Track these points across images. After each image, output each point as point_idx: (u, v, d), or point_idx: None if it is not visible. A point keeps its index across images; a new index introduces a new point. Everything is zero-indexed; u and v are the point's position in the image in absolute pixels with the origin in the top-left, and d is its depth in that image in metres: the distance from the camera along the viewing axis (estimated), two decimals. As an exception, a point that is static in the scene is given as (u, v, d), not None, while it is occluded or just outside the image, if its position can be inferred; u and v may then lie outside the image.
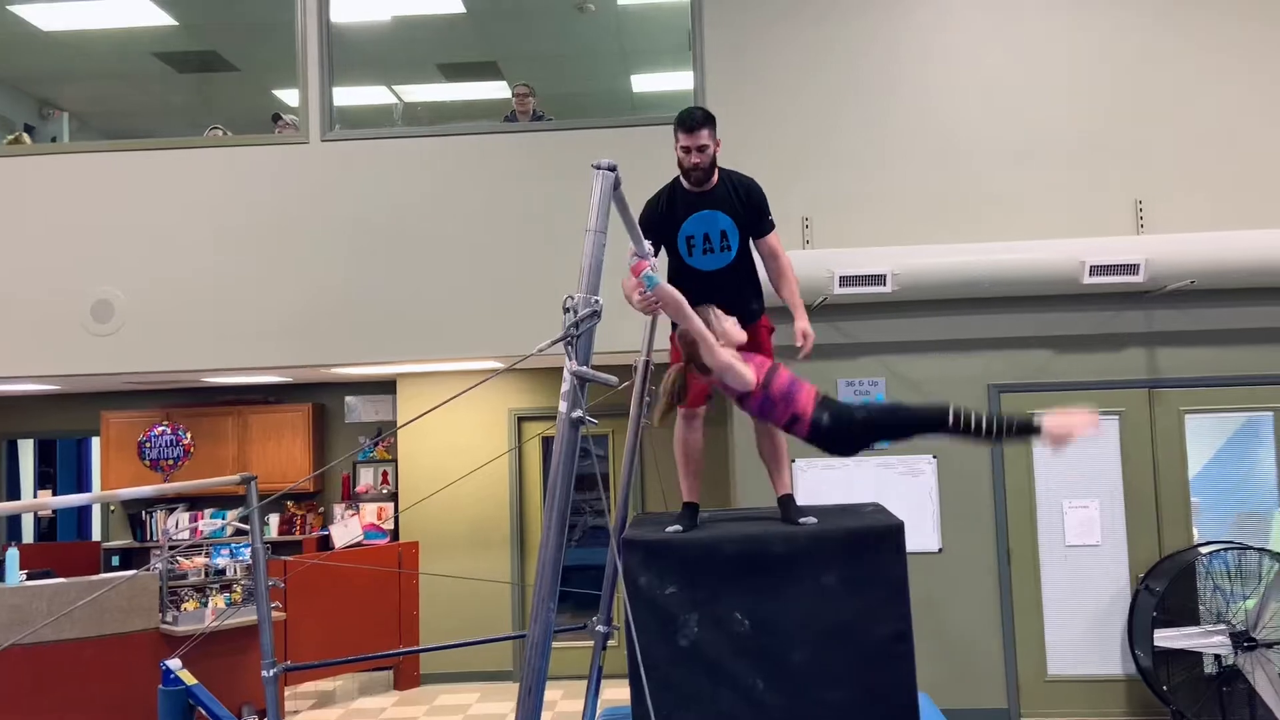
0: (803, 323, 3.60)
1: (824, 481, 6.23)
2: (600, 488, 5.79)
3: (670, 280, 3.27)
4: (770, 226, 3.70)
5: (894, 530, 3.22)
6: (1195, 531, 6.28)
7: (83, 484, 11.53)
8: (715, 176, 3.63)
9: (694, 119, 3.52)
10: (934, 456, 6.28)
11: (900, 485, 6.24)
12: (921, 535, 6.17)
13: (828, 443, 3.22)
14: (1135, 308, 6.30)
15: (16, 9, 7.91)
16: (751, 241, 3.69)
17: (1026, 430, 3.25)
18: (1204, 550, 6.03)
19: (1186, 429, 6.32)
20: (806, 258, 6.09)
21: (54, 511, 11.09)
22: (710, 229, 3.57)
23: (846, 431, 3.18)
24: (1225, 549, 5.96)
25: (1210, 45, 6.36)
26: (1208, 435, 6.38)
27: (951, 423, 3.12)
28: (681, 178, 3.62)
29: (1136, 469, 6.29)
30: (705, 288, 3.47)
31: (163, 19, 8.25)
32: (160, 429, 8.15)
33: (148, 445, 8.01)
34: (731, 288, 3.57)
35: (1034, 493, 6.31)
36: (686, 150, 3.52)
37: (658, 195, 3.69)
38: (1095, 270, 5.87)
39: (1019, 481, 6.31)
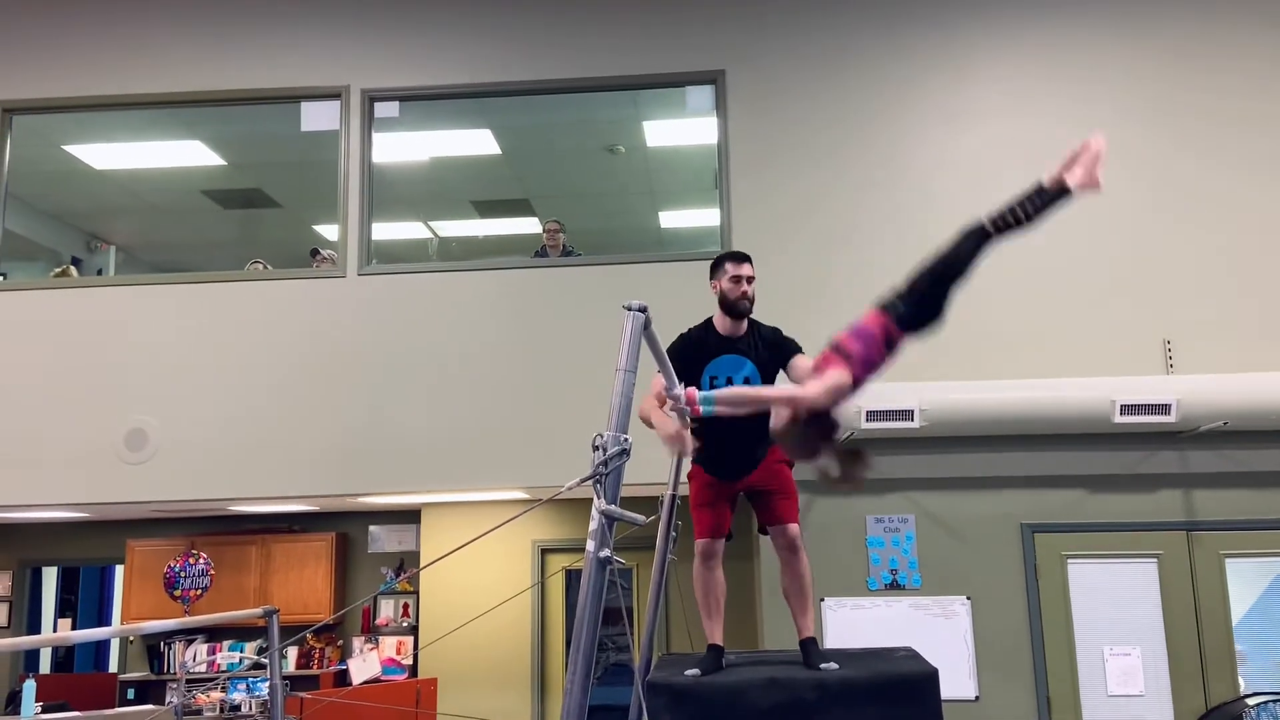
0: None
1: (854, 622, 6.08)
2: (625, 622, 5.68)
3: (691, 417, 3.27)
4: (795, 347, 3.74)
5: (928, 678, 3.13)
6: (1241, 682, 6.04)
7: (104, 613, 11.43)
8: (745, 324, 3.72)
9: (744, 254, 3.79)
10: (968, 598, 6.13)
11: (933, 627, 6.07)
12: (957, 681, 5.96)
13: (919, 322, 3.05)
14: (1169, 448, 6.21)
15: (69, 148, 8.29)
16: (786, 374, 3.72)
17: (1058, 194, 3.14)
18: (1251, 702, 5.79)
19: (1228, 573, 6.15)
20: (834, 393, 6.10)
21: (72, 640, 10.98)
22: (734, 372, 3.65)
23: (920, 303, 3.04)
24: (1273, 700, 5.72)
25: (1240, 188, 6.45)
26: (1250, 580, 6.20)
27: (992, 231, 3.04)
28: (725, 311, 3.73)
29: (1178, 615, 6.09)
30: (720, 428, 3.49)
31: (212, 159, 8.61)
32: (192, 558, 8.14)
33: (182, 575, 7.97)
34: (746, 432, 3.53)
35: (1073, 638, 6.11)
36: (736, 280, 3.69)
37: (690, 331, 3.79)
38: (1126, 410, 5.82)
39: (1057, 626, 6.11)
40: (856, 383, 2.88)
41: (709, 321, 3.80)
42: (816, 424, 2.81)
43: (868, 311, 3.03)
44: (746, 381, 3.63)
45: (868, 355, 2.91)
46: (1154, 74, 6.63)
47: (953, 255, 3.13)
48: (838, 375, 2.82)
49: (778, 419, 2.81)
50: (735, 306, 3.70)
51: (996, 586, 6.15)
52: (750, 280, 3.70)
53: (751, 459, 3.66)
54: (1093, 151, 3.16)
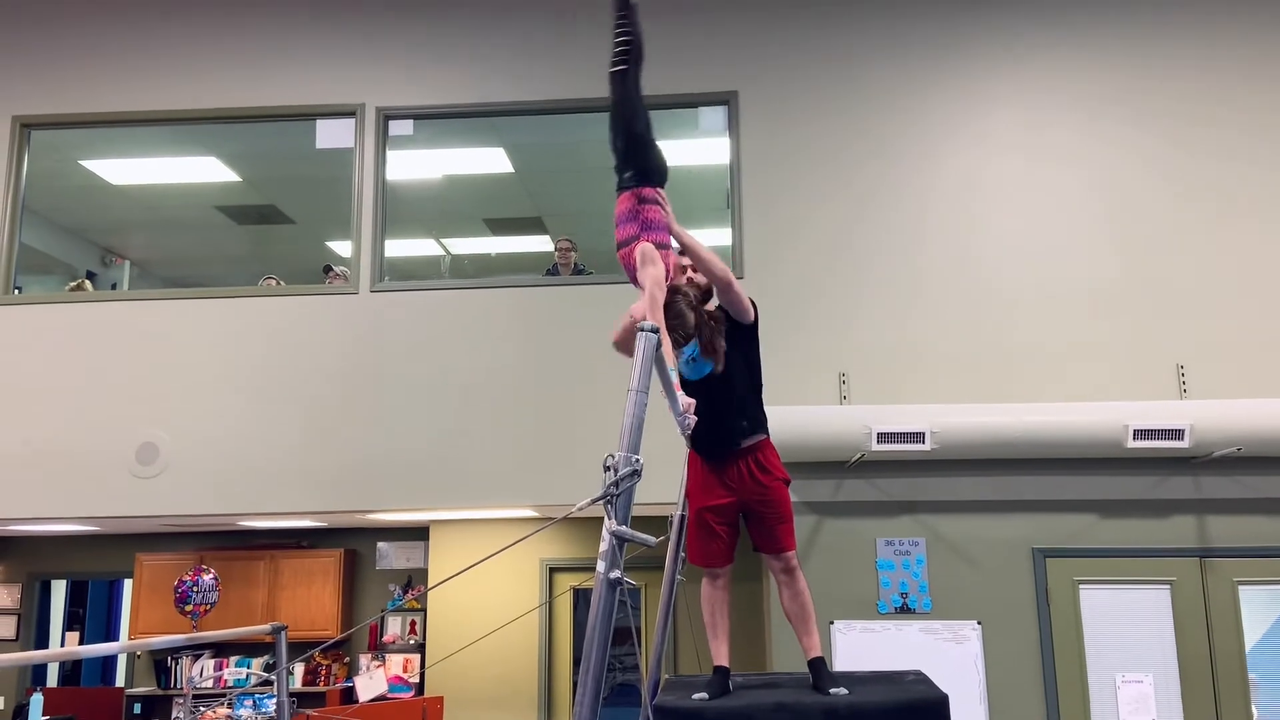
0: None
1: (864, 645, 6.04)
2: (635, 641, 5.65)
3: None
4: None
5: (939, 704, 3.10)
6: (1254, 710, 5.97)
7: (112, 626, 11.44)
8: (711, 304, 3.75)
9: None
10: (979, 623, 6.09)
11: (944, 651, 6.03)
12: (968, 707, 5.91)
13: (639, 171, 3.47)
14: (1182, 473, 6.17)
15: (86, 163, 8.36)
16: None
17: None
18: (1266, 731, 5.72)
19: (1241, 600, 6.09)
20: (843, 414, 6.09)
21: (80, 653, 10.97)
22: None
23: (626, 157, 3.48)
24: (1289, 730, 5.65)
25: (1255, 212, 6.44)
26: (1263, 607, 6.14)
27: (623, 68, 3.47)
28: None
29: (1191, 642, 6.03)
30: (692, 394, 3.52)
31: (228, 175, 8.66)
32: (203, 572, 8.14)
33: (195, 590, 7.97)
34: (715, 394, 3.58)
35: (1085, 664, 6.05)
36: (682, 269, 3.74)
37: None
38: (1139, 434, 5.79)
39: (1069, 652, 6.06)
40: (658, 244, 3.33)
41: None
42: (679, 293, 3.32)
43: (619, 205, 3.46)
44: (692, 361, 3.65)
45: (644, 221, 3.37)
46: (1166, 93, 6.64)
47: (616, 107, 3.54)
48: (640, 250, 3.30)
49: (658, 305, 3.17)
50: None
51: (1008, 611, 6.11)
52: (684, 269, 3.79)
53: (735, 430, 3.63)
54: None
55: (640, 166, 3.48)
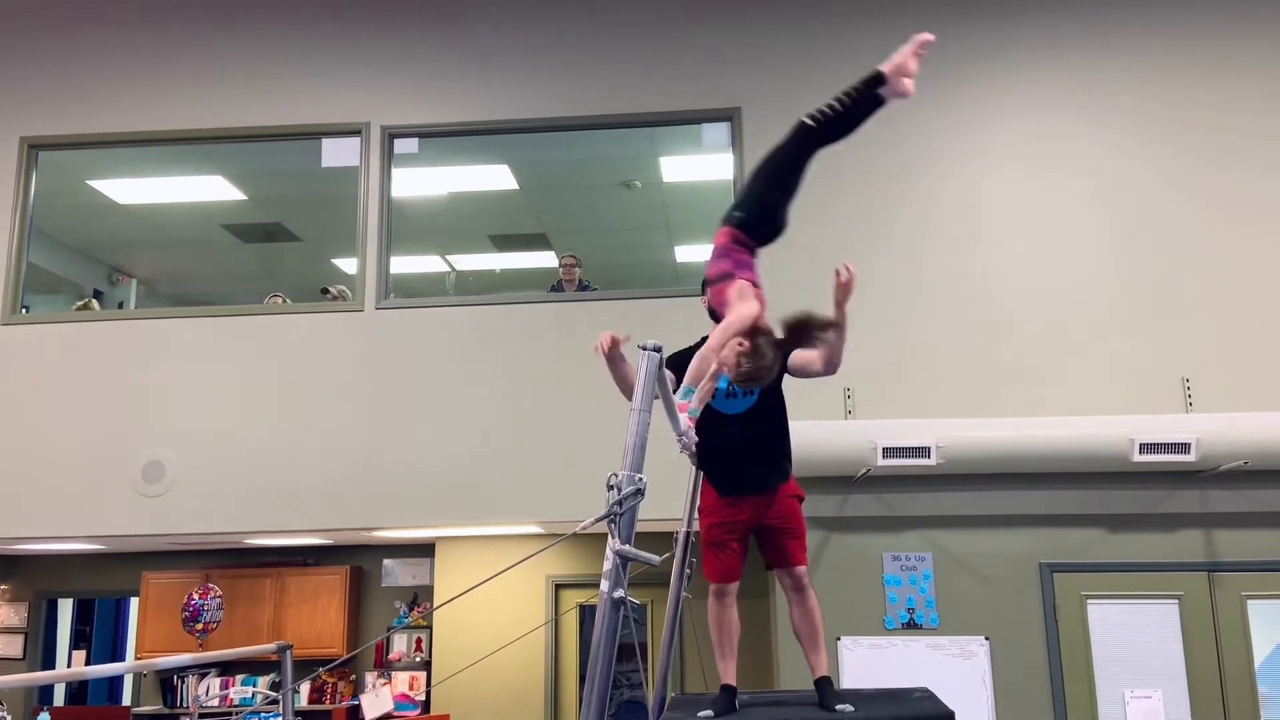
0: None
1: (870, 661, 6.01)
2: (639, 658, 5.62)
3: (698, 422, 3.25)
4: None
5: (945, 721, 3.09)
6: (1266, 725, 5.93)
7: (118, 645, 11.43)
8: None
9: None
10: (986, 638, 6.06)
11: (951, 667, 6.00)
12: (975, 724, 5.89)
13: (758, 228, 3.35)
14: (1189, 487, 6.15)
15: (93, 183, 8.40)
16: (790, 370, 3.70)
17: (872, 84, 3.46)
18: (1277, 746, 5.68)
19: (1250, 615, 6.05)
20: (849, 429, 6.08)
21: (86, 672, 10.95)
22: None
23: (755, 205, 3.34)
24: (1300, 746, 5.62)
25: (1261, 223, 6.44)
26: (1272, 621, 6.11)
27: (814, 126, 3.37)
28: (713, 320, 3.75)
29: (1200, 657, 6.00)
30: (727, 429, 3.50)
31: (234, 194, 8.70)
32: (210, 590, 8.15)
33: (205, 608, 7.98)
34: (753, 431, 3.59)
35: (1094, 679, 6.02)
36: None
37: (690, 346, 3.82)
38: (1145, 448, 5.77)
39: (1077, 667, 6.04)
40: (754, 282, 3.20)
41: (705, 337, 3.82)
42: (767, 337, 3.05)
43: (719, 235, 3.27)
44: (731, 398, 3.62)
45: (737, 261, 3.23)
46: (1170, 103, 6.65)
47: (778, 154, 3.42)
48: (736, 286, 3.11)
49: (733, 353, 2.97)
50: (714, 314, 3.74)
51: (1015, 627, 6.08)
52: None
53: (759, 477, 3.62)
54: (915, 42, 3.48)
55: (755, 220, 3.40)
